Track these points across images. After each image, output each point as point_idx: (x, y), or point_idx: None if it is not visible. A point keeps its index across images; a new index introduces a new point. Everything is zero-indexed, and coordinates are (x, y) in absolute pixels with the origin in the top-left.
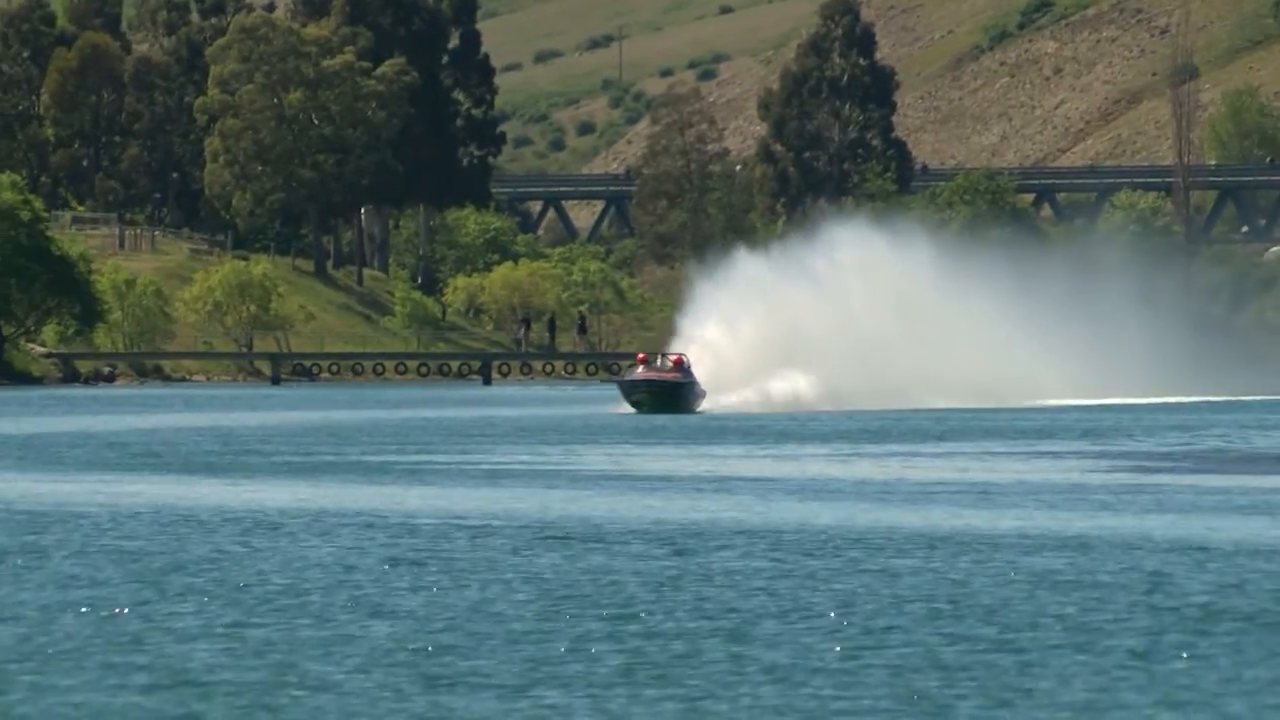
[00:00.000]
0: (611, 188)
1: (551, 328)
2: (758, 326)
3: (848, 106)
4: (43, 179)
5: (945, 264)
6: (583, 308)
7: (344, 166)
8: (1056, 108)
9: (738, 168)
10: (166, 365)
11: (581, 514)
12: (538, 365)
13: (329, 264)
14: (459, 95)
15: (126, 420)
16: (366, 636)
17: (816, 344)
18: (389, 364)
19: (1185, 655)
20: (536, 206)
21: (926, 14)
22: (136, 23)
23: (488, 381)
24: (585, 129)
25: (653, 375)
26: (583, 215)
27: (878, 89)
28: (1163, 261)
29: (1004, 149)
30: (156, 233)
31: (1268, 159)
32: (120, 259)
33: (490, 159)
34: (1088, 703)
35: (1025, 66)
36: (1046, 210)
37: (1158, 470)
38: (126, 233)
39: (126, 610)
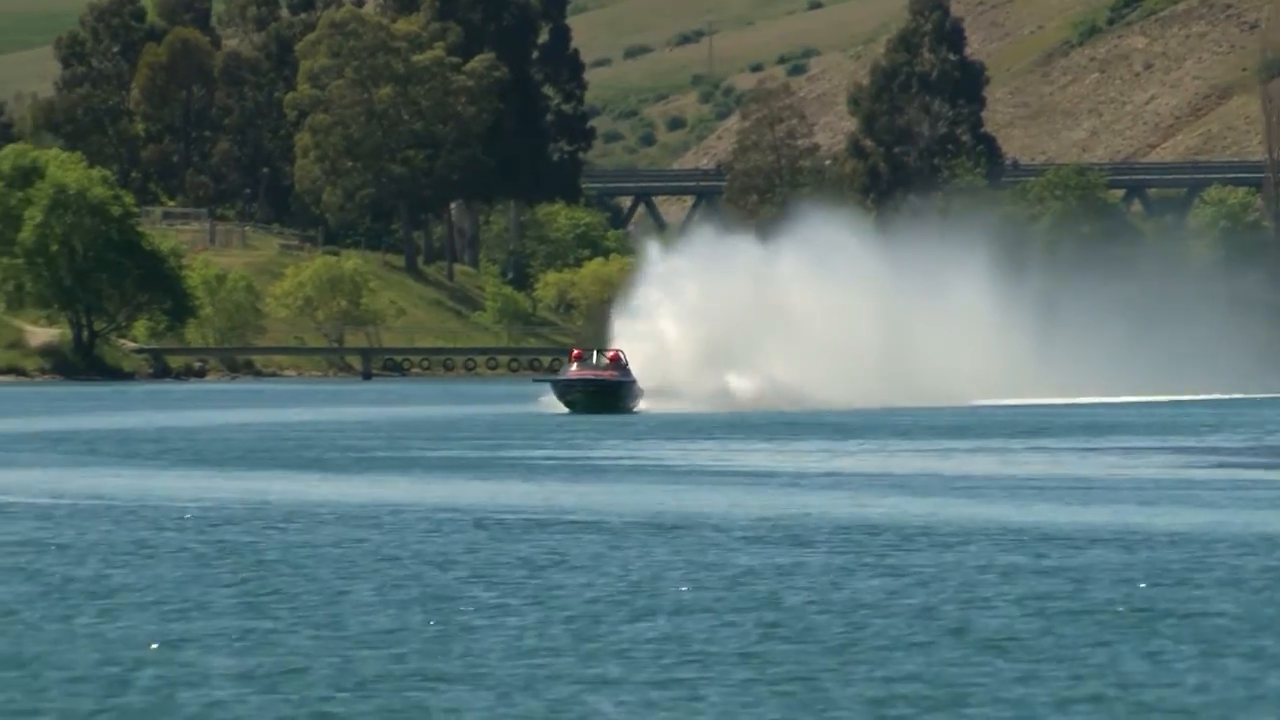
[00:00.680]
0: (702, 183)
1: None
2: (705, 321)
3: (937, 102)
4: (133, 174)
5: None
6: None
7: (434, 162)
8: (1147, 103)
9: (827, 163)
10: (257, 360)
11: (792, 514)
12: None
13: (419, 259)
14: (549, 90)
15: (287, 413)
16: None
17: (770, 340)
18: (480, 359)
19: None
20: (627, 202)
21: (1016, 9)
22: (226, 18)
23: None
24: (675, 124)
25: (588, 374)
26: (673, 210)
27: (967, 84)
28: (1251, 256)
29: (1094, 144)
30: (247, 228)
31: None
32: (211, 254)
33: (580, 154)
34: None
35: (1115, 62)
36: (1136, 205)
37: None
38: (217, 228)
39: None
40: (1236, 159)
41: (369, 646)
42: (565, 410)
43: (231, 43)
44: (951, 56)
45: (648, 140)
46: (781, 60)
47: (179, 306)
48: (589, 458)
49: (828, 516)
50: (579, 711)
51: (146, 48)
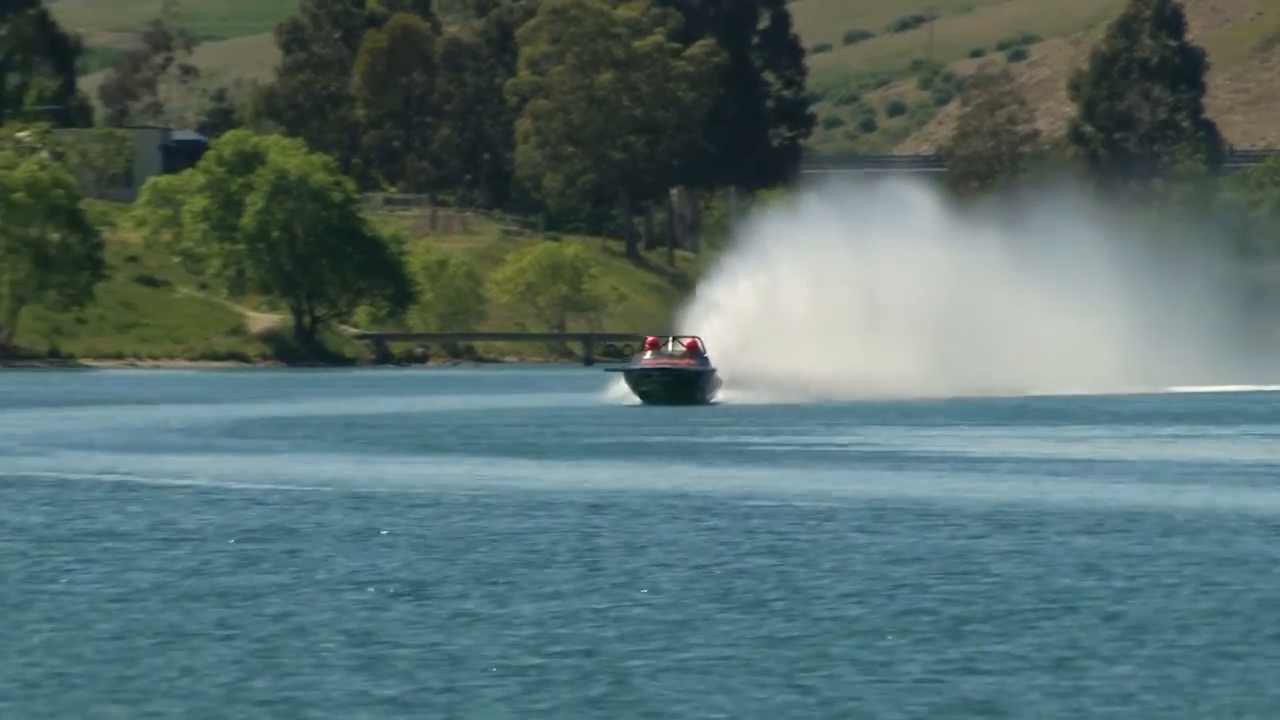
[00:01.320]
0: (922, 169)
1: None
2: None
3: (1157, 88)
4: (354, 160)
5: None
6: None
7: (655, 147)
8: None
9: (1047, 148)
10: (478, 346)
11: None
12: None
13: (640, 245)
14: (769, 76)
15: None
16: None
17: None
18: None
19: None
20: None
21: None
22: (446, 4)
23: None
24: (895, 110)
25: (664, 362)
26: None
27: (1187, 70)
28: None
29: None
30: (468, 214)
31: None
32: (432, 240)
33: (800, 140)
34: None
35: None
36: None
37: None
38: (438, 214)
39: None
40: None
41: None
42: (637, 401)
43: (452, 28)
44: (1171, 42)
45: (868, 126)
46: (1001, 46)
47: (400, 292)
48: (824, 444)
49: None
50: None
51: (367, 34)
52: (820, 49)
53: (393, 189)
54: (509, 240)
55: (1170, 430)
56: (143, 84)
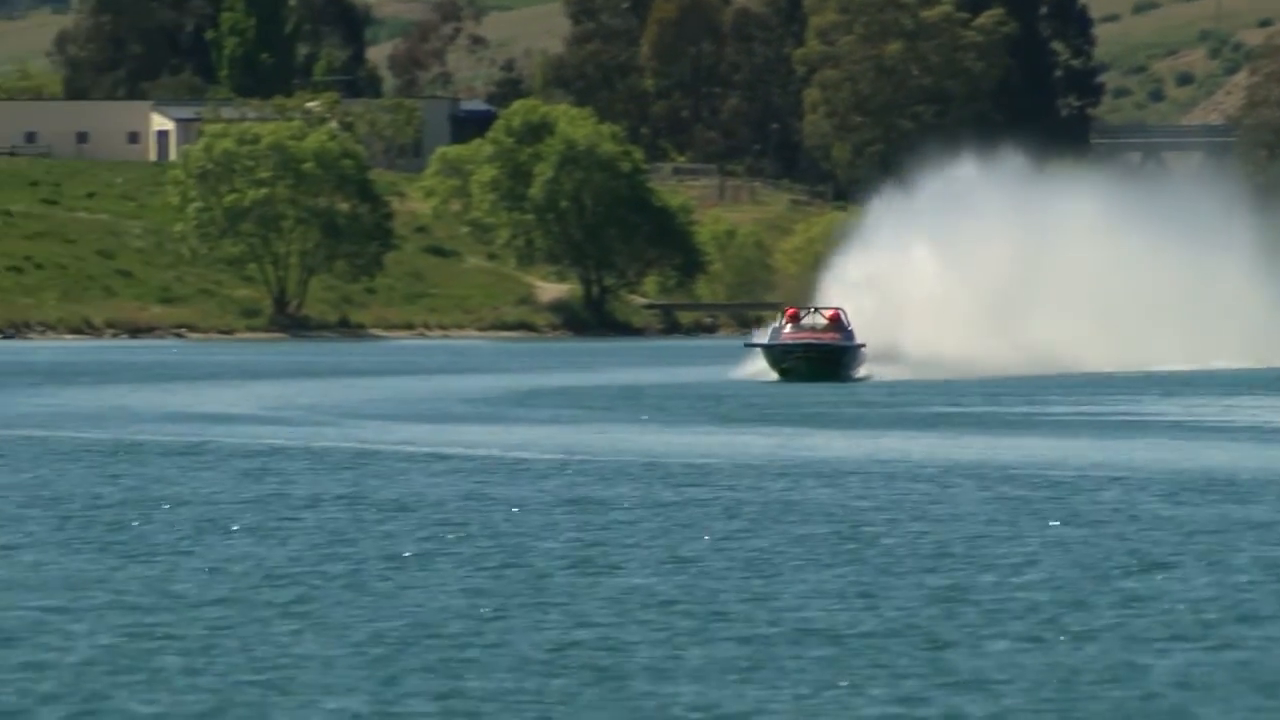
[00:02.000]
0: (1210, 138)
1: None
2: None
3: None
4: (643, 130)
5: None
6: None
7: (943, 117)
8: None
9: None
10: (767, 316)
11: None
12: None
13: None
14: (1057, 46)
15: None
16: None
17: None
18: None
19: None
20: (1136, 157)
21: None
22: None
23: None
24: (1184, 79)
25: (807, 337)
26: (1182, 166)
27: None
28: None
29: None
30: (756, 183)
31: None
32: (720, 210)
33: (1089, 110)
34: None
35: None
36: None
37: None
38: (726, 184)
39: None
40: None
41: None
42: (775, 378)
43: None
44: None
45: (1156, 96)
46: None
47: (689, 262)
48: (1141, 414)
49: None
50: None
51: (656, 4)
52: (1108, 19)
53: (681, 159)
54: (797, 210)
55: None
56: (432, 54)
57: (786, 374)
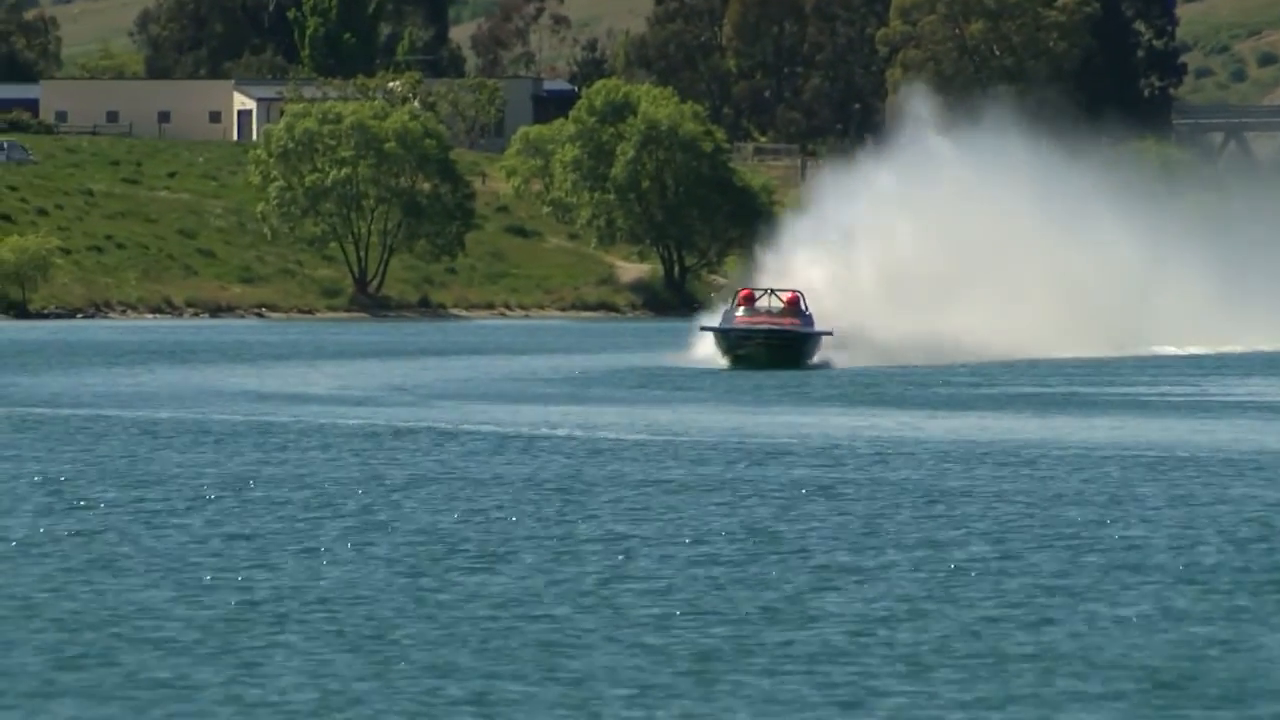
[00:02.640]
0: None
1: None
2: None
3: None
4: (725, 110)
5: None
6: None
7: (1025, 97)
8: None
9: None
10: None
11: None
12: None
13: None
14: (1140, 26)
15: None
16: None
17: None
18: None
19: None
20: (1218, 138)
21: None
22: None
23: None
24: (1266, 59)
25: (765, 321)
26: (1265, 146)
27: None
28: None
29: None
30: (839, 164)
31: None
32: (802, 190)
33: (1171, 90)
34: None
35: None
36: None
37: None
38: (809, 164)
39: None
40: None
41: None
42: (726, 365)
43: None
44: None
45: (1239, 76)
46: None
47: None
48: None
49: None
50: None
51: None
52: None
53: (763, 139)
54: None
55: None
56: (514, 34)
57: (741, 361)
